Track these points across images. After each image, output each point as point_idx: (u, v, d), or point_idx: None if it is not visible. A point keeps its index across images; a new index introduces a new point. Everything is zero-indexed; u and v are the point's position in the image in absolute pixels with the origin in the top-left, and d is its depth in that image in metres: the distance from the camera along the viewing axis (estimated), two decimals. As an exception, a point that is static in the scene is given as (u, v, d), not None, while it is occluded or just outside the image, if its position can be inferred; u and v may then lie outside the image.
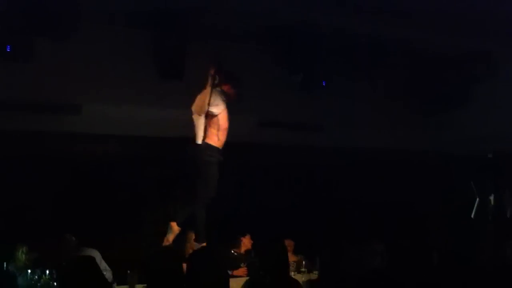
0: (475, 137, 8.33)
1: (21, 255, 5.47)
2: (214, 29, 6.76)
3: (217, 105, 5.52)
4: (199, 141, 5.45)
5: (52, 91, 6.72)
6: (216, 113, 5.50)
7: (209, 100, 5.43)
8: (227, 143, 5.63)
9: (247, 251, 6.80)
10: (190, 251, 5.15)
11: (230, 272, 5.40)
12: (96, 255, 5.89)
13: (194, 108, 5.53)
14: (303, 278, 5.44)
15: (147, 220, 7.49)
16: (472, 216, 7.34)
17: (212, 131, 5.47)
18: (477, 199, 7.40)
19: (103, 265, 5.75)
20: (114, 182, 7.45)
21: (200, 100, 5.49)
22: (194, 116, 5.52)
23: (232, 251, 6.80)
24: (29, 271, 5.06)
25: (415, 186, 8.17)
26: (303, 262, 6.05)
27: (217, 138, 5.49)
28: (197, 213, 5.51)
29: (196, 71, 7.01)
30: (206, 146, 5.44)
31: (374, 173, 8.28)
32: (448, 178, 8.25)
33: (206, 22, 6.51)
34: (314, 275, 5.42)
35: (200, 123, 5.47)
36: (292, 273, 5.50)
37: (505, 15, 6.19)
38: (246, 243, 6.92)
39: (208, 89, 5.46)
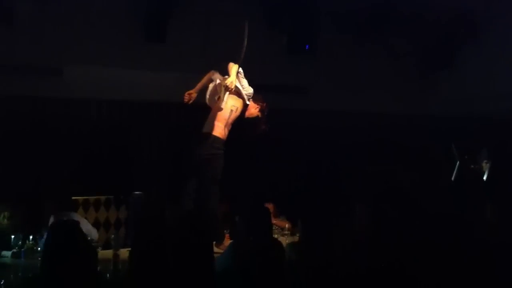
0: (457, 98, 8.38)
1: (3, 219, 5.41)
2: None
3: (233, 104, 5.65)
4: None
5: (32, 53, 6.61)
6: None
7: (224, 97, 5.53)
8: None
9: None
10: None
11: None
12: (79, 218, 5.89)
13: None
14: (286, 241, 5.47)
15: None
16: (453, 178, 7.40)
17: (220, 125, 5.54)
18: (458, 162, 7.45)
19: (88, 227, 5.73)
20: (96, 147, 7.39)
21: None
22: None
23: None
24: (13, 236, 5.02)
25: (402, 149, 8.21)
26: (286, 225, 6.09)
27: (224, 133, 5.57)
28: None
29: (180, 34, 6.99)
30: (214, 138, 5.52)
31: (359, 136, 8.29)
32: (431, 140, 8.30)
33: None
34: (297, 238, 5.45)
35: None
36: (275, 236, 5.55)
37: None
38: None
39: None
